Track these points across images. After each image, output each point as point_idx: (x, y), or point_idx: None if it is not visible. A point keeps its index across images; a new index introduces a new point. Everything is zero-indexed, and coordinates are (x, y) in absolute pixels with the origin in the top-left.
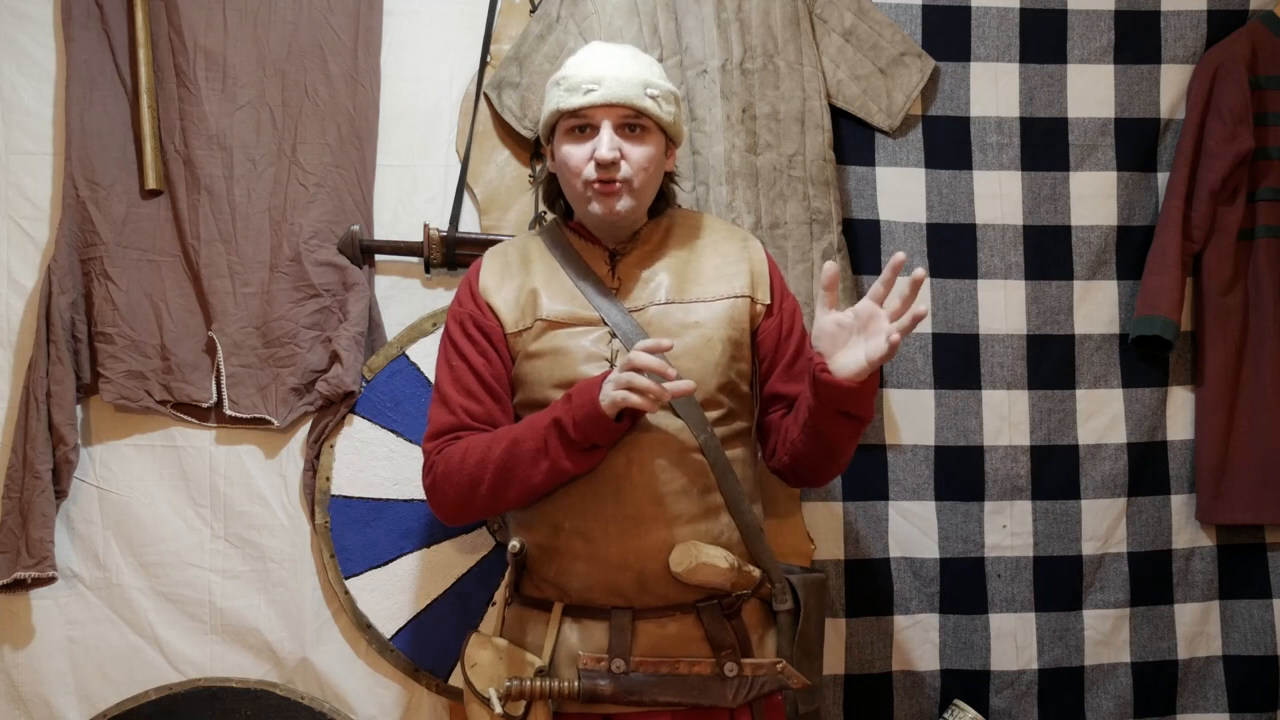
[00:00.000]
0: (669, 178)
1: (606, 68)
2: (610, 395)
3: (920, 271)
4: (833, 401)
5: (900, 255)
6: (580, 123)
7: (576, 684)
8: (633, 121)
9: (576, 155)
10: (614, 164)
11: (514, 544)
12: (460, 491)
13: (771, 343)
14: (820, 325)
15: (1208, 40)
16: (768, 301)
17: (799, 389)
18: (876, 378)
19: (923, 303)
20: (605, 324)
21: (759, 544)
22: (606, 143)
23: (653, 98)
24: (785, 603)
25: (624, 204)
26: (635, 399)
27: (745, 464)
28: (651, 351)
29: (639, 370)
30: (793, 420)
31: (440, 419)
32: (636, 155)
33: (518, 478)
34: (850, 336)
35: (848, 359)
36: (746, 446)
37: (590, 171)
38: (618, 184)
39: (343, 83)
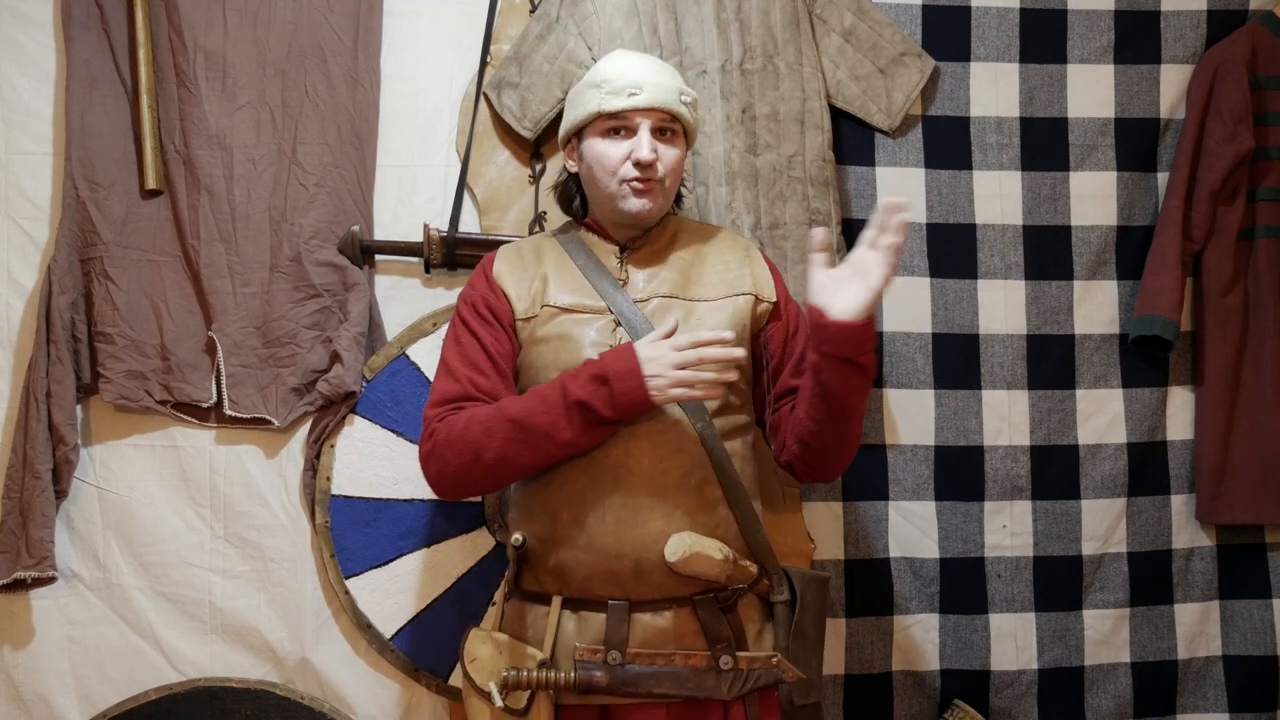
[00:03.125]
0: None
1: (647, 75)
2: (667, 392)
3: (907, 216)
4: (835, 346)
5: (897, 200)
6: (618, 124)
7: (572, 675)
8: (667, 125)
9: (613, 154)
10: (652, 165)
11: (516, 537)
12: (461, 459)
13: (779, 341)
14: (815, 281)
15: (1208, 40)
16: (773, 299)
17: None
18: (873, 324)
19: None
20: (611, 312)
21: (757, 538)
22: (647, 144)
23: (685, 104)
24: (782, 594)
25: (657, 203)
26: (696, 393)
27: (744, 459)
28: (714, 344)
29: (695, 363)
30: (800, 400)
31: (445, 388)
32: (669, 157)
33: (527, 450)
34: (844, 284)
35: (845, 302)
36: (746, 442)
37: (628, 170)
38: (653, 184)
39: (343, 83)
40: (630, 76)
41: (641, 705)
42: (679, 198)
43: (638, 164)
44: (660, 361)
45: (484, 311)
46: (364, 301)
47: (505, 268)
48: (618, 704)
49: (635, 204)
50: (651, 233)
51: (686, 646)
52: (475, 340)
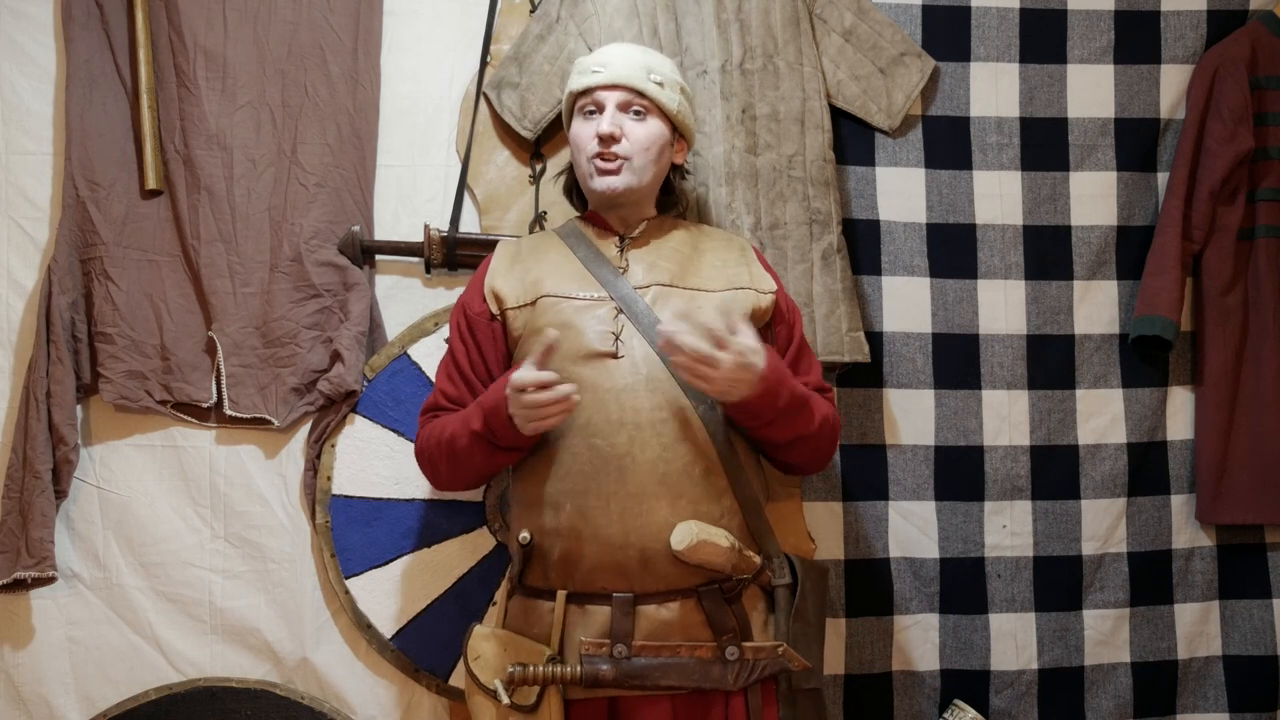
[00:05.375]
0: (679, 172)
1: (615, 54)
2: (530, 428)
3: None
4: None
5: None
6: (589, 104)
7: (578, 668)
8: (636, 103)
9: (584, 133)
10: (613, 138)
11: (523, 535)
12: (430, 467)
13: (784, 341)
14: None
15: (1208, 40)
16: (772, 289)
17: (805, 383)
18: (757, 401)
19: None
20: (613, 300)
21: (760, 523)
22: (608, 119)
23: (656, 83)
24: (784, 578)
25: (623, 180)
26: (551, 422)
27: (747, 449)
28: (541, 385)
29: (538, 404)
30: None
31: (428, 397)
32: (638, 133)
33: (461, 469)
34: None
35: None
36: (746, 430)
37: (593, 146)
38: (618, 160)
39: (343, 83)
40: (598, 57)
41: (648, 698)
42: (673, 191)
43: (600, 138)
44: (525, 414)
45: (461, 319)
46: (364, 301)
47: (502, 263)
48: (625, 697)
49: (601, 183)
50: (650, 224)
51: (692, 638)
52: (450, 351)
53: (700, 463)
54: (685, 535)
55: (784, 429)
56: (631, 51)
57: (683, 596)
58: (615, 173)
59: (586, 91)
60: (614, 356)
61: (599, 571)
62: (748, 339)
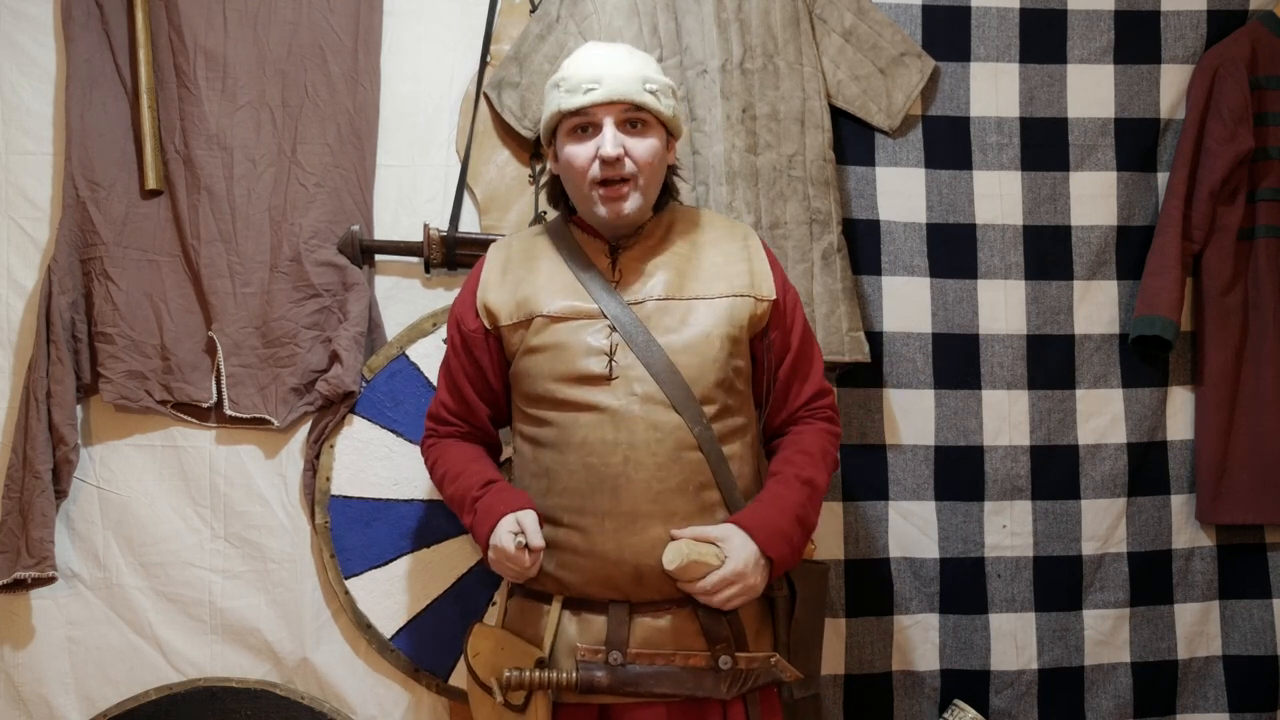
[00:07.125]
0: (671, 171)
1: (605, 66)
2: (492, 560)
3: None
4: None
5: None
6: (582, 122)
7: (574, 675)
8: (634, 117)
9: (581, 155)
10: (618, 160)
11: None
12: (434, 485)
13: (781, 346)
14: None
15: (1208, 40)
16: (772, 296)
17: (802, 389)
18: (784, 561)
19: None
20: (605, 317)
21: None
22: (610, 140)
23: (652, 92)
24: (781, 589)
25: (631, 204)
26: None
27: (742, 460)
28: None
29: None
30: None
31: (430, 405)
32: (640, 150)
33: (460, 517)
34: None
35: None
36: (745, 443)
37: (596, 171)
38: (624, 184)
39: (343, 83)
40: (588, 71)
41: (642, 704)
42: (671, 189)
43: (604, 161)
44: (495, 558)
45: (454, 333)
46: (364, 301)
47: (493, 277)
48: (618, 703)
49: (605, 211)
50: (645, 229)
51: (686, 647)
52: (448, 365)
53: (695, 480)
54: (676, 555)
55: (817, 514)
56: (622, 62)
57: (677, 606)
58: (623, 198)
59: (580, 110)
60: (608, 378)
61: (593, 584)
62: (727, 567)
